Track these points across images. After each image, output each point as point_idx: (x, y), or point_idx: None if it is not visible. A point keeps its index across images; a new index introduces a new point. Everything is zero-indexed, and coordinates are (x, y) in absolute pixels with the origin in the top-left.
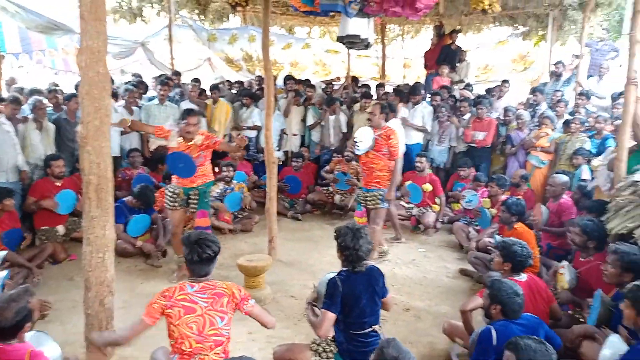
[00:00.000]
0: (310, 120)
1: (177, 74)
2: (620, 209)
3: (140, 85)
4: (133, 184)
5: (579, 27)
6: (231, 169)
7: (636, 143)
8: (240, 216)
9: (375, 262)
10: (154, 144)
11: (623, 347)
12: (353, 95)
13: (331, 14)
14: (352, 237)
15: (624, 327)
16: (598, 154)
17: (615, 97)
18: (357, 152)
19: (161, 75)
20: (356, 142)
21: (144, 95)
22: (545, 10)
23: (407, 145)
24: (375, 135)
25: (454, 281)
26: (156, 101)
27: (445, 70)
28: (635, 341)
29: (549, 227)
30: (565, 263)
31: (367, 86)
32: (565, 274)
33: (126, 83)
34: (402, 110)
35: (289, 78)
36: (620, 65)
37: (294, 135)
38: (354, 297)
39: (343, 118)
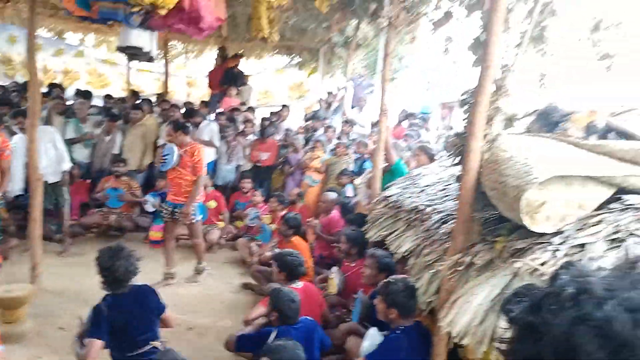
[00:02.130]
0: (70, 134)
1: None
2: (376, 220)
3: None
4: None
5: (344, 63)
6: None
7: (388, 164)
8: None
9: (160, 285)
10: None
11: (380, 338)
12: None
13: (109, 22)
14: (108, 258)
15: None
16: (359, 174)
17: (373, 124)
18: (162, 169)
19: None
20: (163, 157)
21: None
22: (316, 45)
23: None
24: (181, 152)
25: (237, 295)
26: None
27: (234, 91)
28: (389, 332)
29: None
30: (335, 269)
31: (149, 100)
32: (335, 278)
33: None
34: None
35: (53, 86)
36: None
37: None
38: (123, 320)
39: (119, 139)
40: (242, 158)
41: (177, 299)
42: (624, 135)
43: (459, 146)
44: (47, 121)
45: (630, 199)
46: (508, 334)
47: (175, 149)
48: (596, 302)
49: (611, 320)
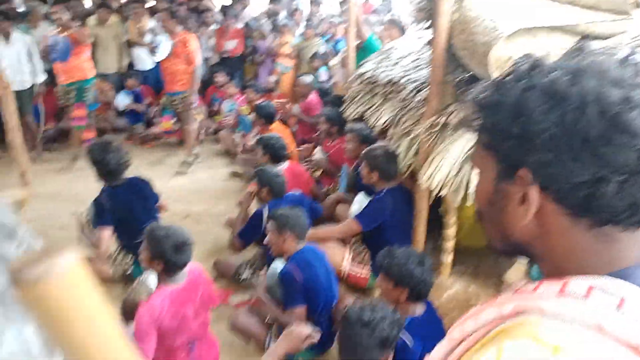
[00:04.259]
0: None
1: None
2: (354, 98)
3: None
4: None
5: None
6: None
7: (360, 41)
8: None
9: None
10: None
11: (366, 201)
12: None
13: None
14: (100, 152)
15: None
16: (333, 55)
17: (341, 3)
18: (156, 60)
19: None
20: (154, 47)
21: None
22: None
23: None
24: (173, 42)
25: (227, 183)
26: None
27: None
28: (373, 195)
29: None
30: (318, 148)
31: None
32: (317, 156)
33: None
34: (150, 22)
35: None
36: None
37: None
38: (125, 209)
39: None
40: (209, 50)
41: (169, 190)
42: None
43: (428, 10)
44: None
45: (592, 45)
46: (475, 118)
47: (167, 38)
48: (544, 73)
49: (554, 81)
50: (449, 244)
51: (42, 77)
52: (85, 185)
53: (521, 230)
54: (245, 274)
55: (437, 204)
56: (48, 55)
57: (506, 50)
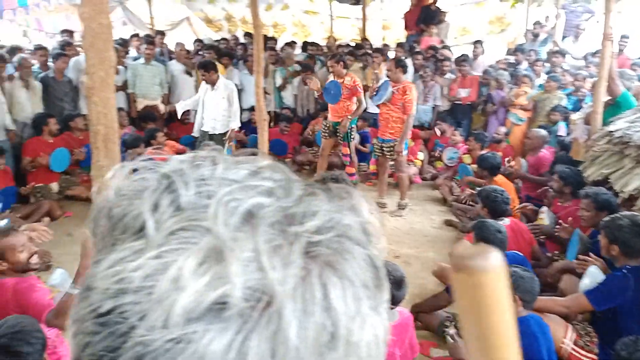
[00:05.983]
0: (278, 81)
1: (161, 33)
2: (596, 158)
3: (124, 45)
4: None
5: None
6: None
7: (611, 97)
8: None
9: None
10: (141, 103)
11: (601, 276)
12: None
13: None
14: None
15: (602, 258)
16: (576, 110)
17: (587, 57)
18: (374, 102)
19: (142, 34)
20: (376, 92)
21: (127, 55)
22: None
23: None
24: (393, 89)
25: (439, 231)
26: (142, 60)
27: (434, 30)
28: (611, 270)
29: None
30: (544, 208)
31: (349, 46)
32: (545, 218)
33: None
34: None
35: (268, 38)
36: (597, 22)
37: (267, 94)
38: None
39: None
40: (439, 98)
41: (383, 229)
42: None
43: None
44: (265, 71)
45: None
46: None
47: (390, 84)
48: None
49: None
50: None
51: (236, 124)
52: None
53: None
54: (451, 329)
55: None
56: (321, 96)
57: None
